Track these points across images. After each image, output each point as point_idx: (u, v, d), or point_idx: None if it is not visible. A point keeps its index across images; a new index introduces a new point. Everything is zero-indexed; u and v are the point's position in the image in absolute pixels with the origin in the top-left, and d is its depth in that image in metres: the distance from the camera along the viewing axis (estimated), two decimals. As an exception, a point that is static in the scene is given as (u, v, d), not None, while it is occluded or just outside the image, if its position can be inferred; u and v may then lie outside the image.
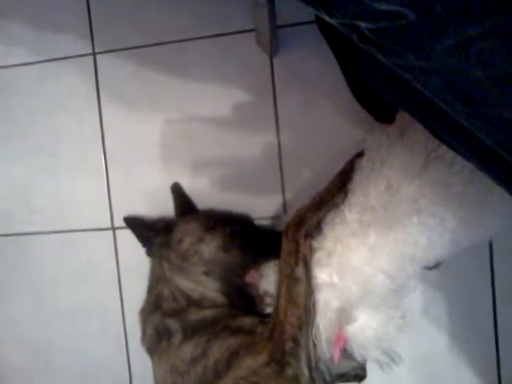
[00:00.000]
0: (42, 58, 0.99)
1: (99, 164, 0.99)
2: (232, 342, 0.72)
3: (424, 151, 0.66)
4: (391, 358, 0.71)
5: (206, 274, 0.79)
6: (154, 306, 0.83)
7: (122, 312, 1.02)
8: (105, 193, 1.00)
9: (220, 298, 0.80)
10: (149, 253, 0.88)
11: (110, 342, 1.03)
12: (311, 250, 0.73)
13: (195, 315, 0.78)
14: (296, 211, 0.76)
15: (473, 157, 0.48)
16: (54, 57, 0.98)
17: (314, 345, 0.71)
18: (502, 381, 0.87)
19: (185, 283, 0.81)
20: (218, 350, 0.71)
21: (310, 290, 0.71)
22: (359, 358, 0.71)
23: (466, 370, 0.88)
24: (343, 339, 0.70)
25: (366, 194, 0.69)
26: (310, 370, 0.69)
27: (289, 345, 0.69)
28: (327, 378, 0.83)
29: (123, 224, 0.96)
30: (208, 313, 0.78)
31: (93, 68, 0.97)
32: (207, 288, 0.80)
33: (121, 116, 0.97)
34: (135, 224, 0.89)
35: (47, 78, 0.99)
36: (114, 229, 1.00)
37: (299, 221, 0.73)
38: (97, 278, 1.03)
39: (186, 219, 0.87)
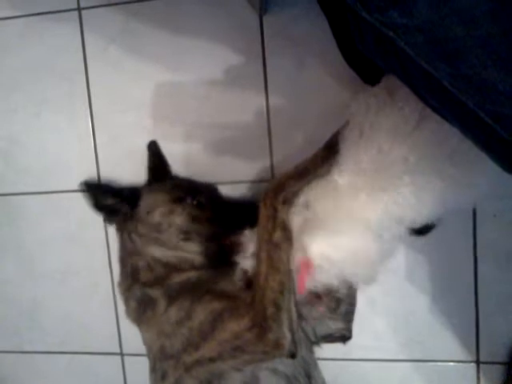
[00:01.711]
0: (25, 12, 0.96)
1: (86, 124, 0.98)
2: (216, 305, 0.72)
3: (416, 110, 0.65)
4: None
5: (186, 239, 0.81)
6: (132, 278, 0.83)
7: (111, 272, 1.02)
8: (92, 154, 0.98)
9: (198, 259, 0.81)
10: (109, 221, 0.88)
11: (99, 301, 1.04)
12: (289, 216, 0.72)
13: (178, 278, 0.79)
14: (276, 179, 0.76)
15: (456, 120, 0.47)
16: (38, 11, 0.95)
17: (296, 308, 0.72)
18: (480, 342, 0.89)
19: (161, 252, 0.82)
20: (203, 312, 0.72)
21: (291, 255, 0.71)
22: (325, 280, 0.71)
23: (445, 331, 0.90)
24: (308, 264, 0.70)
25: (357, 160, 0.68)
26: (292, 333, 0.70)
27: (270, 310, 0.69)
28: (312, 338, 0.85)
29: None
30: (191, 274, 0.79)
31: (78, 24, 0.94)
32: (187, 251, 0.81)
33: (108, 74, 0.95)
34: (96, 189, 0.87)
35: (31, 33, 0.96)
36: (101, 190, 0.99)
37: (278, 188, 0.72)
38: (85, 238, 1.03)
39: (150, 189, 0.87)
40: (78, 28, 0.94)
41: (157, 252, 0.82)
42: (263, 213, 0.73)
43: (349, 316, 0.88)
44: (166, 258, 0.81)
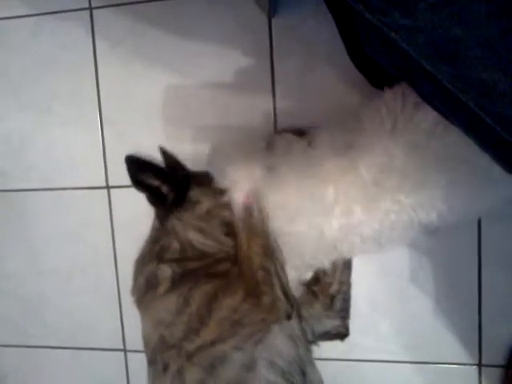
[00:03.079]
0: (37, 11, 0.97)
1: (95, 122, 0.99)
2: (209, 287, 0.73)
3: None
4: None
5: (227, 234, 0.80)
6: (155, 256, 0.83)
7: (116, 270, 1.03)
8: (100, 151, 0.99)
9: (233, 252, 0.80)
10: (150, 201, 0.86)
11: (103, 299, 1.05)
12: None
13: (193, 264, 0.79)
14: None
15: (458, 121, 0.48)
16: (50, 10, 0.96)
17: (284, 269, 0.73)
18: (483, 344, 0.89)
19: (200, 239, 0.81)
20: (199, 296, 0.73)
21: (266, 218, 0.72)
22: None
23: (448, 333, 0.90)
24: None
25: (389, 154, 0.65)
26: (285, 294, 0.72)
27: (260, 274, 0.71)
28: (310, 337, 0.85)
29: (118, 183, 0.96)
30: (205, 261, 0.80)
31: (89, 23, 0.95)
32: (226, 246, 0.81)
33: (117, 73, 0.96)
34: (140, 166, 0.86)
35: (42, 32, 0.97)
36: (108, 187, 1.00)
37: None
38: (90, 236, 1.04)
39: (201, 180, 0.86)
40: (89, 27, 0.95)
41: (196, 238, 0.81)
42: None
43: (344, 312, 0.89)
44: (203, 245, 0.81)
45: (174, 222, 0.83)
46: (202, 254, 0.81)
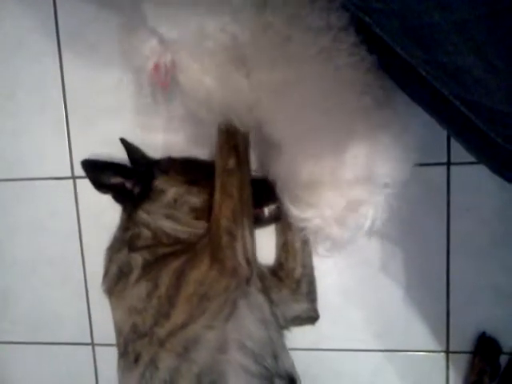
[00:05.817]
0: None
1: (59, 110, 0.95)
2: (175, 263, 0.74)
3: None
4: None
5: (197, 218, 0.80)
6: (127, 243, 0.82)
7: (83, 261, 1.01)
8: (65, 140, 0.96)
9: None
10: (117, 200, 0.87)
11: (70, 290, 1.03)
12: (245, 140, 0.74)
13: (166, 249, 0.79)
14: None
15: (431, 109, 0.48)
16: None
17: (251, 237, 0.74)
18: (450, 332, 0.91)
19: (172, 226, 0.81)
20: (167, 276, 0.73)
21: (245, 183, 0.74)
22: None
23: (417, 321, 0.91)
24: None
25: None
26: (247, 262, 0.73)
27: (224, 238, 0.72)
28: (281, 322, 0.85)
29: (84, 173, 0.93)
30: (177, 246, 0.79)
31: (52, 6, 0.91)
32: (198, 228, 0.81)
33: (82, 59, 0.93)
34: (98, 169, 0.85)
35: (4, 14, 0.93)
36: (74, 178, 0.98)
37: None
38: (57, 227, 1.01)
39: (164, 170, 0.85)
40: (52, 10, 0.91)
41: (167, 224, 0.81)
42: (219, 140, 0.74)
43: (311, 295, 0.90)
44: (175, 231, 0.81)
45: (142, 215, 0.82)
46: (175, 239, 0.81)
